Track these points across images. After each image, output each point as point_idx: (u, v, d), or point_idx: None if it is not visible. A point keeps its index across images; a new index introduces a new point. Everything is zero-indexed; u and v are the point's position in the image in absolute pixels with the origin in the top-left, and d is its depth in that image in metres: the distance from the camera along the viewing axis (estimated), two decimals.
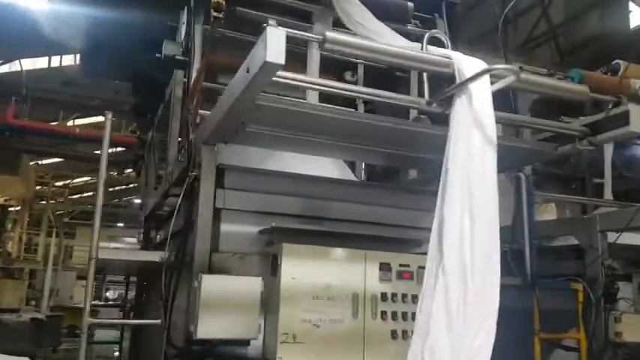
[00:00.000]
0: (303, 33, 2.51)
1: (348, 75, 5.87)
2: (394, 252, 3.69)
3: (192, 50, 4.23)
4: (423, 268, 3.61)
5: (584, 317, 4.40)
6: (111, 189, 30.70)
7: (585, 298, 4.43)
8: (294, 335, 3.33)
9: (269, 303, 3.41)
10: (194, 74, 4.40)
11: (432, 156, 3.44)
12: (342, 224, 3.88)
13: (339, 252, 3.52)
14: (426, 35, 2.98)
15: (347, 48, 2.58)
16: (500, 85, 2.63)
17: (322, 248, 3.48)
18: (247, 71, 2.61)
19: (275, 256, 3.48)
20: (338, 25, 4.81)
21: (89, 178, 29.77)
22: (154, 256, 3.61)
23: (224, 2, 4.13)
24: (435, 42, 3.13)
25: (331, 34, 2.52)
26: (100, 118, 17.61)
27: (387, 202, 4.09)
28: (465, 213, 2.49)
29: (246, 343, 3.43)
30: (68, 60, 11.94)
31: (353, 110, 3.58)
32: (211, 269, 3.45)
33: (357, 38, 2.64)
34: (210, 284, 3.26)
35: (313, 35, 2.53)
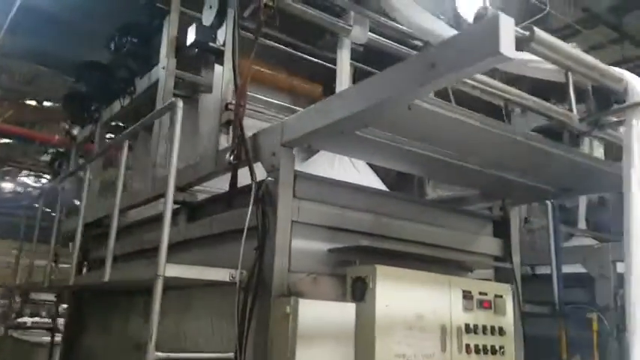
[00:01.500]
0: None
1: None
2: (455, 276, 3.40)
3: (234, 38, 3.60)
4: (500, 296, 3.43)
5: (599, 345, 4.40)
6: None
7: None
8: None
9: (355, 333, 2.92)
10: (227, 65, 3.81)
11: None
12: (407, 245, 3.47)
13: (429, 277, 3.12)
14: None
15: (548, 50, 2.24)
16: None
17: (415, 272, 3.06)
18: (432, 66, 2.17)
19: (361, 279, 2.99)
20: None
21: None
22: (224, 275, 2.93)
23: None
24: None
25: (541, 33, 2.17)
26: None
27: (443, 223, 3.76)
28: None
29: None
30: None
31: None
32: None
33: (562, 42, 2.30)
34: (307, 311, 2.70)
35: (520, 30, 2.16)
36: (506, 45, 1.94)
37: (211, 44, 3.79)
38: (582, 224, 5.80)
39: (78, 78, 6.41)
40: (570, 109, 2.64)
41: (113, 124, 6.54)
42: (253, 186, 3.06)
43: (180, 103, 2.96)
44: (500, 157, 3.03)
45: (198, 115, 5.33)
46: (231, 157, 3.32)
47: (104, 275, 3.85)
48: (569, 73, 2.54)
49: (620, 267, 4.60)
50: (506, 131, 2.66)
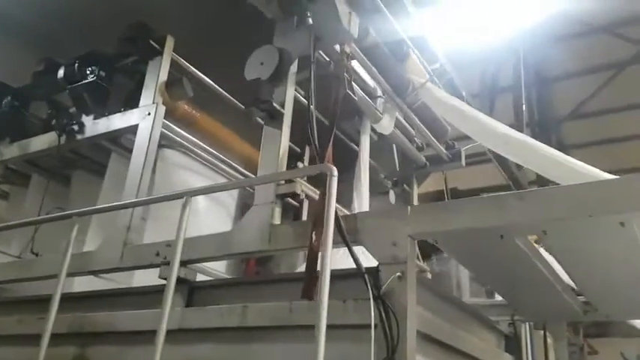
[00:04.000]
0: None
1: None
2: None
3: (309, 101, 3.03)
4: None
5: None
6: None
7: None
8: None
9: None
10: (286, 130, 3.20)
11: None
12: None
13: None
14: None
15: None
16: None
17: None
18: None
19: None
20: None
21: None
22: None
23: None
24: None
25: None
26: None
27: (481, 335, 3.46)
28: None
29: None
30: None
31: None
32: None
33: None
34: None
35: None
36: None
37: (275, 105, 3.16)
38: None
39: None
40: None
41: None
42: (367, 278, 2.46)
43: (335, 171, 2.31)
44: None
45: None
46: (316, 239, 2.66)
47: None
48: None
49: None
50: None
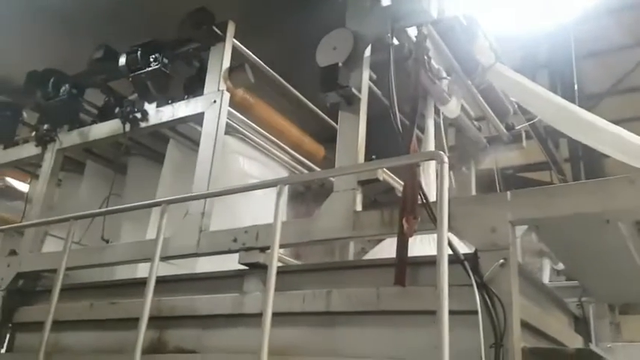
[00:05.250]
0: None
1: None
2: None
3: (390, 87, 2.95)
4: None
5: None
6: None
7: None
8: None
9: None
10: (362, 116, 3.13)
11: None
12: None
13: None
14: None
15: None
16: None
17: None
18: None
19: None
20: None
21: None
22: None
23: None
24: None
25: None
26: None
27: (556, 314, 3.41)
28: None
29: None
30: None
31: None
32: None
33: None
34: None
35: None
36: None
37: (353, 90, 3.09)
38: None
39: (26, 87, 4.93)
40: None
41: None
42: (467, 265, 2.41)
43: (445, 158, 2.25)
44: None
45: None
46: (408, 225, 2.60)
47: None
48: None
49: None
50: None
